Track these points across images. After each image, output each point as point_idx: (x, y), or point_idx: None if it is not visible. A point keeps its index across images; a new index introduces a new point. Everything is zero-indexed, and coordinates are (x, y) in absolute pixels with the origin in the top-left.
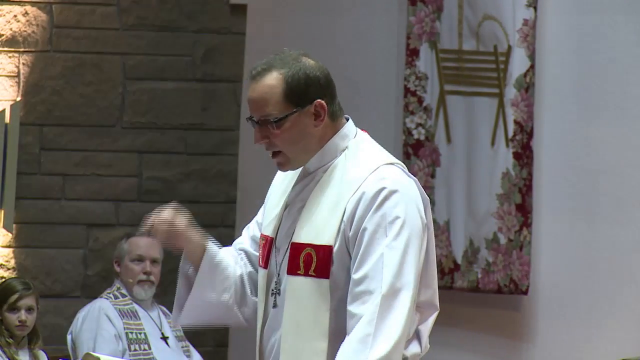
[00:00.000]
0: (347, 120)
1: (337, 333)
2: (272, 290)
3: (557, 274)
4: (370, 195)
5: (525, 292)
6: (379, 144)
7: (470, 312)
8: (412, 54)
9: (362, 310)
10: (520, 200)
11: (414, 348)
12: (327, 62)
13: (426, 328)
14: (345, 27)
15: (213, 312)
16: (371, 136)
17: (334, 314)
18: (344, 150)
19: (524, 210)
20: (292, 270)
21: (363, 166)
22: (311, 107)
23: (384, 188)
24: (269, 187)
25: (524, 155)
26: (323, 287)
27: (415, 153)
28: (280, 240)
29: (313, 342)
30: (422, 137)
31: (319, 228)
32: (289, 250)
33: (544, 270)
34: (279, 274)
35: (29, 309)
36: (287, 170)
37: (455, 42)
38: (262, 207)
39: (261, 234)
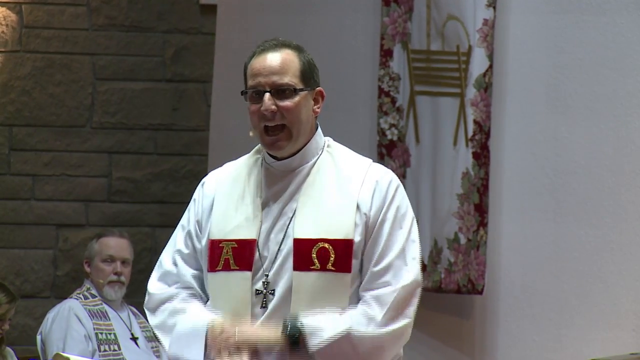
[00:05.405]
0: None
1: None
2: (259, 290)
3: (522, 274)
4: (384, 185)
5: (481, 292)
6: (354, 145)
7: (433, 312)
8: (386, 54)
9: (383, 298)
10: (478, 200)
11: None
12: None
13: None
14: (316, 27)
15: None
16: (345, 137)
17: (349, 302)
18: (323, 148)
19: (481, 210)
20: (303, 266)
21: (355, 162)
22: (315, 92)
23: (393, 180)
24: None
25: (482, 155)
26: (343, 281)
27: (389, 154)
28: (266, 239)
29: None
30: (395, 138)
31: (330, 222)
32: (291, 247)
33: (504, 270)
34: (267, 275)
35: (10, 318)
36: (281, 150)
37: (424, 43)
38: (190, 224)
39: (217, 240)
